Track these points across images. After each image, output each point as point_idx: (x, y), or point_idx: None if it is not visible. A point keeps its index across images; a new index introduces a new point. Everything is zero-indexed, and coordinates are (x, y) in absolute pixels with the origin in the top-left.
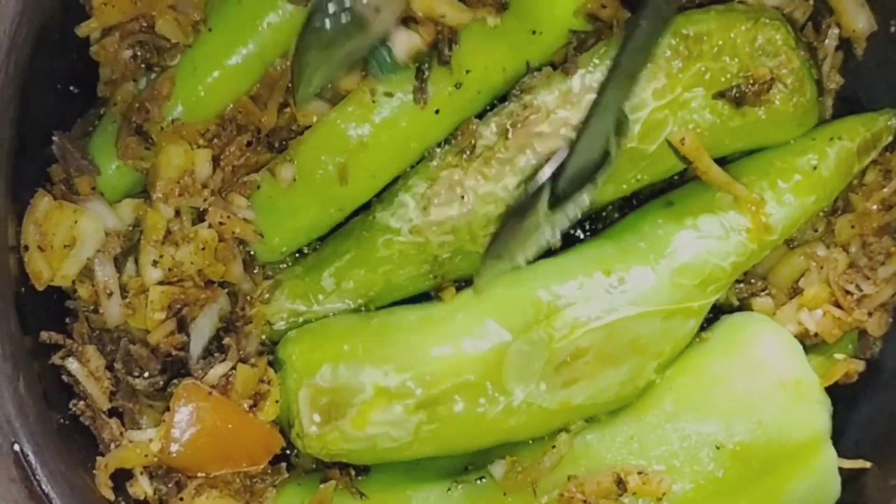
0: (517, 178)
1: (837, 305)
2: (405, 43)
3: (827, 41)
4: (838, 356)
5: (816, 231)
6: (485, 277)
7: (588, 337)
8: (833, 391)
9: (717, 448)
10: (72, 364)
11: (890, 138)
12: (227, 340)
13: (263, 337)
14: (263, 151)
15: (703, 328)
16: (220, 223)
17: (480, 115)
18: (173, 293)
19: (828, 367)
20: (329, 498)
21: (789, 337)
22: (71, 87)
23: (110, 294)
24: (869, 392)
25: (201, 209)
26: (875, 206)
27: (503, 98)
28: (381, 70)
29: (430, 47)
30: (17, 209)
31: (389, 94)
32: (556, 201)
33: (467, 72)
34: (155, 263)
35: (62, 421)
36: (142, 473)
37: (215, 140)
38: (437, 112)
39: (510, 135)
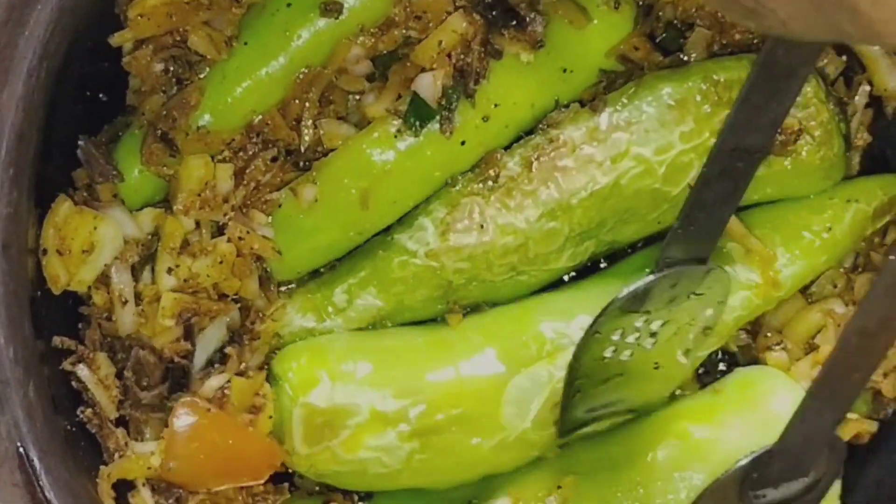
0: (538, 210)
1: None
2: (429, 86)
3: (857, 97)
4: (851, 416)
5: (836, 287)
6: None
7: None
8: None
9: None
10: (82, 371)
11: None
12: (229, 350)
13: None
14: (288, 169)
15: (716, 379)
16: (240, 238)
17: (506, 148)
18: (185, 302)
19: (841, 427)
20: None
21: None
22: (100, 95)
23: (125, 302)
24: (880, 453)
25: (221, 223)
26: None
27: (529, 132)
28: (417, 118)
29: (457, 80)
30: (39, 213)
31: None
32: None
33: (496, 105)
34: (170, 271)
35: (69, 427)
36: (144, 485)
37: (241, 153)
38: (462, 143)
39: (534, 167)
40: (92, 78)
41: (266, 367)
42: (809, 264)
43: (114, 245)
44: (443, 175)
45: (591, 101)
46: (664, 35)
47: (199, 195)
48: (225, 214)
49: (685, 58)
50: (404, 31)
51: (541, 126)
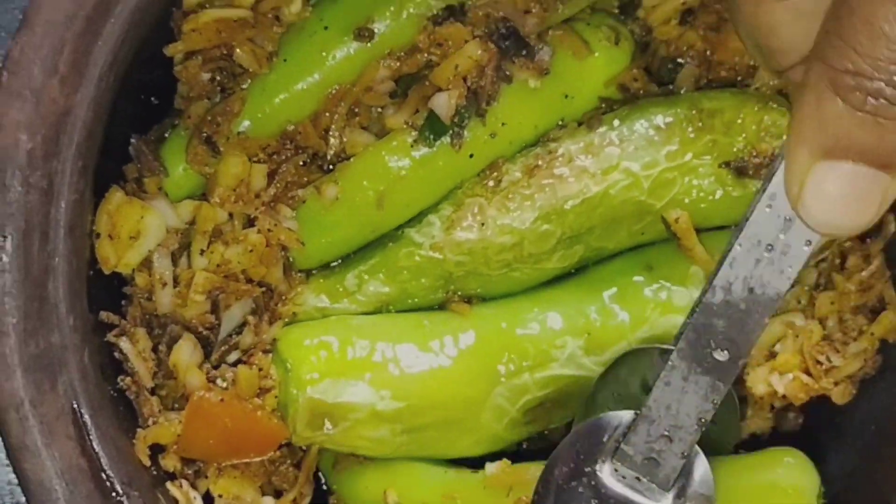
0: (535, 213)
1: (807, 373)
2: (444, 104)
3: None
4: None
5: (799, 303)
6: None
7: (558, 391)
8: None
9: None
10: (124, 343)
11: None
12: (249, 318)
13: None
14: (315, 172)
15: None
16: (269, 230)
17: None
18: (215, 281)
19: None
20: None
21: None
22: (152, 98)
23: (164, 284)
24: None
25: (252, 216)
26: (854, 287)
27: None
28: (432, 132)
29: (471, 100)
30: (96, 201)
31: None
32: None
33: (503, 124)
34: (202, 252)
35: (112, 393)
36: (174, 451)
37: (274, 156)
38: (471, 156)
39: (533, 174)
40: (146, 83)
41: (273, 349)
42: None
43: (158, 233)
44: (452, 183)
45: (588, 119)
46: (658, 69)
47: (235, 190)
48: (256, 209)
49: (675, 89)
50: (427, 56)
51: (542, 139)
